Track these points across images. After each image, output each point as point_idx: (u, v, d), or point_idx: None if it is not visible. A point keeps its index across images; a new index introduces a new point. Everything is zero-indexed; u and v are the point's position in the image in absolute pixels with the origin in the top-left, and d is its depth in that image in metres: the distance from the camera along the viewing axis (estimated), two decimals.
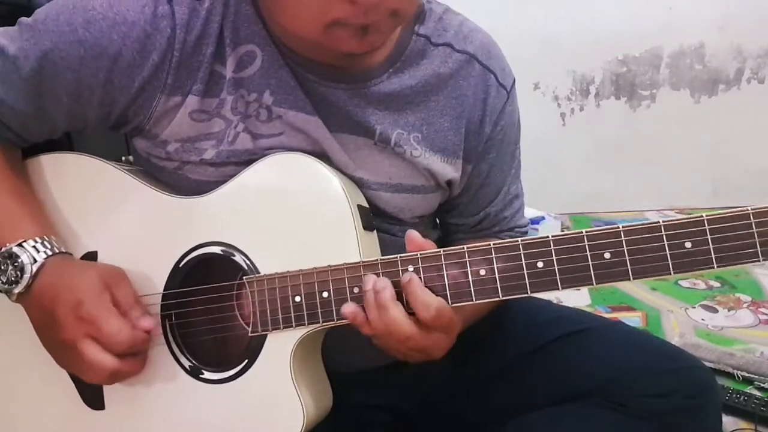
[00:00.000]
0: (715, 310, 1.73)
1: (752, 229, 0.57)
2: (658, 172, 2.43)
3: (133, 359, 0.71)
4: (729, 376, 1.35)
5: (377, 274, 0.67)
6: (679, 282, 1.92)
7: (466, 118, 0.82)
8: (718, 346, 1.49)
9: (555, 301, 1.75)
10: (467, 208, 0.89)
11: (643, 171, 2.44)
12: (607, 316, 1.70)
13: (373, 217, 0.76)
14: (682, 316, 1.70)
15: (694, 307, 1.74)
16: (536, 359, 0.87)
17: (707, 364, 1.34)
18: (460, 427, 0.91)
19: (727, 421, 1.20)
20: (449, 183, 0.84)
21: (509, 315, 0.91)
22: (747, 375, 1.34)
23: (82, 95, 0.72)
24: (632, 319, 1.69)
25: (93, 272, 0.71)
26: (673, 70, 2.39)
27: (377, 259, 0.68)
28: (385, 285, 0.66)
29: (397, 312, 0.65)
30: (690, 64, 2.38)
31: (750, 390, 1.30)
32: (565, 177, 2.45)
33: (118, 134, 0.83)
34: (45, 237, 0.71)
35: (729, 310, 1.72)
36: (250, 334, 0.72)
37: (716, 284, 1.89)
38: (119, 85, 0.71)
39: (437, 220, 0.94)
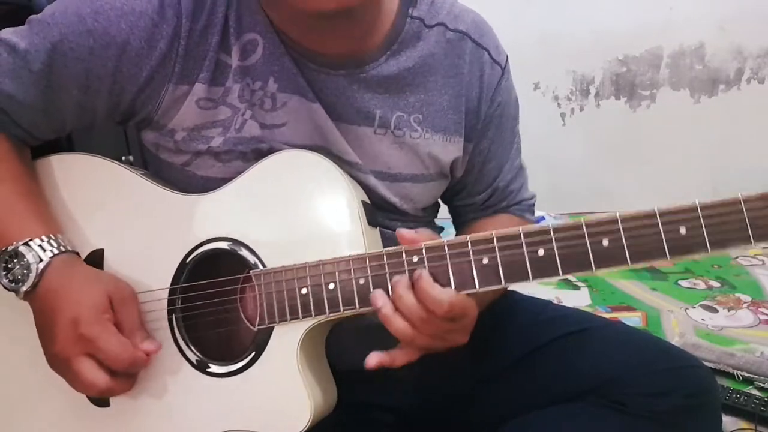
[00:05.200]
0: (715, 310, 1.73)
1: (743, 214, 0.60)
2: (658, 172, 2.43)
3: (125, 379, 0.71)
4: (729, 376, 1.35)
5: (382, 266, 0.69)
6: (679, 282, 1.92)
7: (465, 96, 0.83)
8: (718, 346, 1.49)
9: (555, 301, 1.75)
10: (474, 187, 0.90)
11: (643, 171, 2.44)
12: (607, 316, 1.70)
13: (376, 212, 0.77)
14: (682, 316, 1.70)
15: (694, 307, 1.74)
16: (536, 359, 0.87)
17: (707, 364, 1.34)
18: (462, 427, 0.91)
19: (727, 421, 1.20)
20: (452, 165, 0.85)
21: (509, 315, 0.91)
22: (747, 375, 1.34)
23: (91, 86, 0.73)
24: (632, 319, 1.69)
25: (100, 287, 0.71)
26: (673, 70, 2.39)
27: (382, 251, 0.69)
28: (420, 272, 0.67)
29: (410, 296, 0.66)
30: (690, 64, 2.38)
31: (750, 390, 1.30)
32: (565, 177, 2.45)
33: (118, 135, 0.83)
34: (51, 236, 0.71)
35: (729, 310, 1.72)
36: (257, 327, 0.72)
37: (716, 284, 1.89)
38: (128, 74, 0.73)
39: (448, 208, 0.96)
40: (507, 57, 0.88)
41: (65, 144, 0.87)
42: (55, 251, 0.70)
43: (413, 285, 0.67)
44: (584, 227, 0.64)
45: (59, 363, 0.69)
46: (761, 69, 2.35)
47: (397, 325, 0.67)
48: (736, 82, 2.37)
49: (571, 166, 2.47)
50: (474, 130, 0.85)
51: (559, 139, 2.46)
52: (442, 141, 0.82)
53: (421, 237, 0.69)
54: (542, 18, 2.32)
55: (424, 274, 0.66)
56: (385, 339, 0.86)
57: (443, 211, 0.97)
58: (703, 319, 1.68)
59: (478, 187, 0.90)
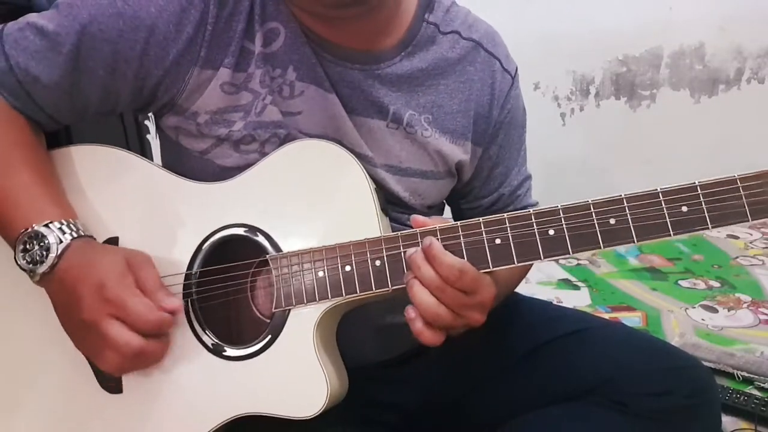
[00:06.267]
0: (715, 310, 1.73)
1: (740, 192, 0.64)
2: (658, 172, 2.43)
3: (157, 341, 0.71)
4: (729, 376, 1.36)
5: (398, 247, 0.70)
6: (679, 282, 1.92)
7: (475, 102, 0.85)
8: (718, 346, 1.49)
9: (555, 302, 1.76)
10: (481, 191, 0.92)
11: (643, 171, 2.44)
12: (607, 316, 1.70)
13: (385, 202, 0.78)
14: (682, 316, 1.70)
15: (694, 307, 1.75)
16: (537, 359, 0.87)
17: (707, 364, 1.34)
18: (463, 426, 0.91)
19: (727, 421, 1.20)
20: (459, 166, 0.86)
21: (510, 315, 0.91)
22: (747, 375, 1.34)
23: (118, 68, 0.74)
24: (632, 319, 1.69)
25: (117, 255, 0.71)
26: (673, 70, 2.39)
27: (398, 234, 0.70)
28: (430, 240, 0.68)
29: (428, 267, 0.68)
30: (690, 64, 2.38)
31: (750, 390, 1.30)
32: (565, 177, 2.45)
33: (117, 131, 0.83)
34: (70, 220, 0.72)
35: (729, 310, 1.72)
36: (273, 310, 0.73)
37: (716, 284, 1.89)
38: (155, 57, 0.74)
39: (451, 211, 0.97)
40: (516, 68, 0.90)
41: (64, 141, 0.87)
42: (74, 234, 0.71)
43: (426, 255, 0.68)
44: (591, 207, 0.67)
45: (87, 331, 0.68)
46: (761, 69, 2.35)
47: (422, 297, 0.67)
48: (736, 82, 2.37)
49: (571, 166, 2.46)
50: (484, 135, 0.87)
51: (559, 139, 2.46)
52: (450, 143, 0.84)
53: (434, 222, 0.70)
54: (542, 18, 2.32)
55: (434, 242, 0.67)
56: (392, 335, 0.86)
57: (446, 213, 0.97)
58: (703, 319, 1.68)
59: (485, 191, 0.92)
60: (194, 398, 0.74)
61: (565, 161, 2.46)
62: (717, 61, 2.36)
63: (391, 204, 0.82)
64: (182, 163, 0.81)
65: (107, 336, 0.67)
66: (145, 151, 1.27)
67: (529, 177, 0.96)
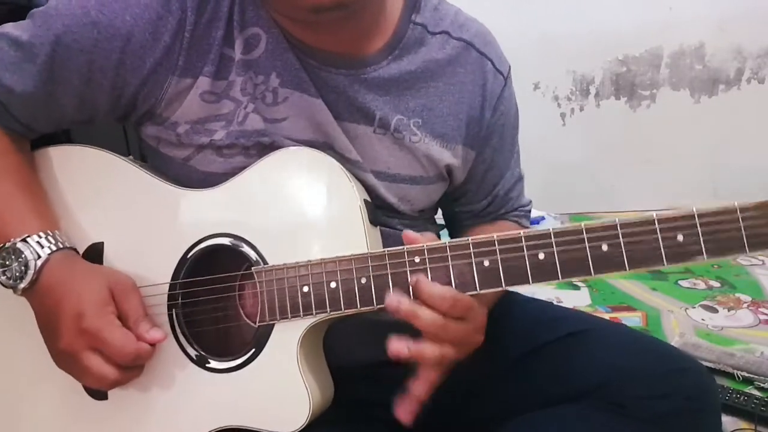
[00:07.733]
0: (715, 310, 1.73)
1: (739, 223, 0.61)
2: (658, 172, 2.42)
3: (133, 370, 0.71)
4: (729, 376, 1.35)
5: (384, 266, 0.69)
6: (679, 282, 1.92)
7: (466, 104, 0.83)
8: (718, 346, 1.49)
9: (555, 302, 1.75)
10: (476, 195, 0.91)
11: (643, 171, 2.44)
12: (607, 316, 1.70)
13: (377, 211, 0.77)
14: (682, 316, 1.70)
15: (694, 307, 1.74)
16: (536, 360, 0.87)
17: (707, 364, 1.34)
18: (460, 426, 0.91)
19: (727, 421, 1.20)
20: (449, 170, 0.85)
21: (509, 315, 0.91)
22: (747, 375, 1.34)
23: (94, 78, 0.73)
24: (632, 319, 1.69)
25: (100, 281, 0.70)
26: (673, 70, 2.39)
27: (384, 251, 0.69)
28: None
29: (424, 309, 0.67)
30: (690, 64, 2.38)
31: (750, 390, 1.30)
32: (565, 177, 2.45)
33: (117, 135, 0.83)
34: (49, 232, 0.71)
35: (729, 310, 1.72)
36: (257, 324, 0.72)
37: (716, 284, 1.89)
38: (131, 67, 0.72)
39: (442, 214, 0.97)
40: (510, 67, 0.88)
41: (63, 140, 0.87)
42: (53, 248, 0.70)
43: (412, 293, 0.67)
44: (584, 232, 0.64)
45: (66, 359, 0.69)
46: (761, 69, 2.35)
47: (424, 318, 0.67)
48: (736, 82, 2.37)
49: (571, 166, 2.46)
50: (477, 138, 0.85)
51: (559, 139, 2.46)
52: (439, 147, 0.83)
53: (426, 240, 0.69)
54: (542, 18, 2.32)
55: (420, 278, 0.67)
56: (383, 334, 0.86)
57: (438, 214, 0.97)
58: (703, 319, 1.68)
59: (479, 195, 0.91)
60: (177, 409, 0.74)
61: (565, 161, 2.46)
62: (717, 61, 2.36)
63: (380, 209, 0.81)
64: (166, 169, 0.80)
65: (86, 368, 0.68)
66: (144, 154, 1.26)
67: (521, 178, 0.95)
